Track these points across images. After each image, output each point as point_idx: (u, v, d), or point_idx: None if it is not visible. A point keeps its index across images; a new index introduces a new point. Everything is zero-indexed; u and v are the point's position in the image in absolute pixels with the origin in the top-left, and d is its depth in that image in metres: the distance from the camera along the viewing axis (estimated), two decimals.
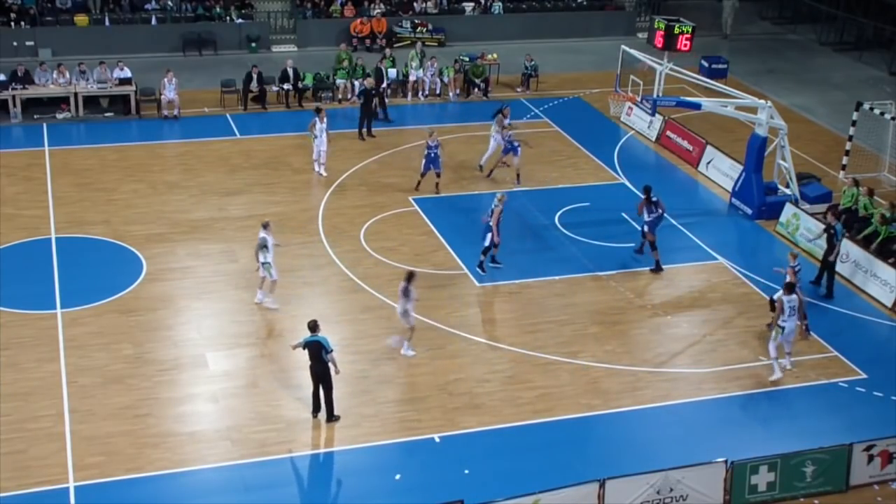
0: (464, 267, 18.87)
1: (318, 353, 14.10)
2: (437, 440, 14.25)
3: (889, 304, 18.24)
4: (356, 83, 27.16)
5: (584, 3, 35.02)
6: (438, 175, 21.62)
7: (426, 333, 16.71)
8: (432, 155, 21.30)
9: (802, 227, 20.30)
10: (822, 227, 18.91)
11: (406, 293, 15.71)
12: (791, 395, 15.63)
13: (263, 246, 16.84)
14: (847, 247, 19.17)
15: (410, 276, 15.83)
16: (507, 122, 22.44)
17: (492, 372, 15.86)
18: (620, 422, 14.87)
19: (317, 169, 22.48)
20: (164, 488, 13.12)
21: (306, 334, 14.18)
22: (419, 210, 20.96)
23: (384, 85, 26.33)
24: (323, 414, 14.48)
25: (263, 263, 16.88)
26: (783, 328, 15.58)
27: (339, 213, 20.87)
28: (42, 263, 18.31)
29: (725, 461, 13.13)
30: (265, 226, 17.13)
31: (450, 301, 17.77)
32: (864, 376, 16.14)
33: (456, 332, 16.82)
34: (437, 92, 27.94)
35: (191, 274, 18.23)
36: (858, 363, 16.45)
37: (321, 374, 14.24)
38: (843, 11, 35.47)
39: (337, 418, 14.47)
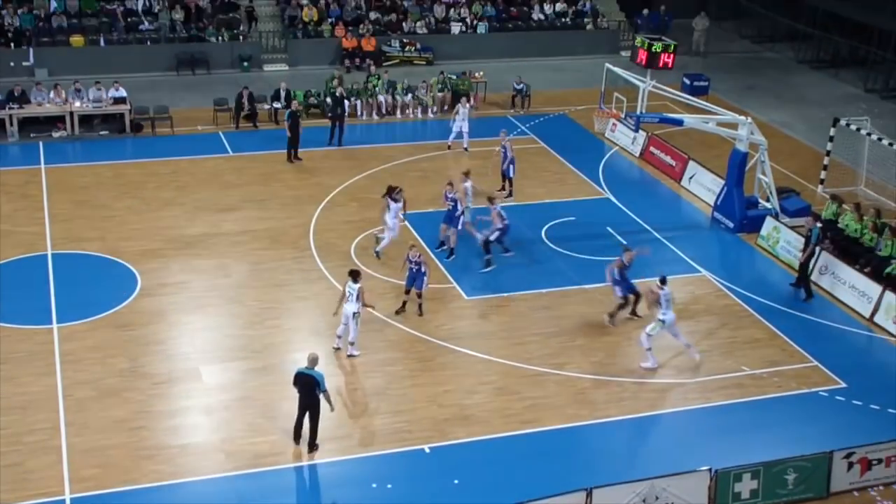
0: (452, 280, 19.18)
1: (310, 387, 13.90)
2: (427, 451, 14.42)
3: (867, 315, 18.58)
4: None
5: (569, 22, 35.56)
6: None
7: (416, 346, 16.99)
8: None
9: (783, 240, 20.71)
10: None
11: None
12: (773, 405, 15.90)
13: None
14: (825, 258, 19.56)
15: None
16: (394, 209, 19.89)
17: (481, 383, 16.09)
18: (607, 431, 15.09)
19: None
20: (159, 500, 13.27)
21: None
22: (408, 224, 21.20)
23: (340, 110, 25.75)
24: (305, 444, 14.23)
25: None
26: (664, 321, 16.27)
27: (330, 228, 21.15)
28: (38, 279, 18.52)
29: (710, 469, 13.32)
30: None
31: (439, 314, 18.04)
32: (844, 385, 16.42)
33: (445, 345, 17.05)
34: (426, 110, 28.35)
35: (185, 289, 18.46)
36: (838, 373, 16.74)
37: (309, 407, 14.04)
38: (820, 30, 36.04)
39: (316, 447, 14.24)
